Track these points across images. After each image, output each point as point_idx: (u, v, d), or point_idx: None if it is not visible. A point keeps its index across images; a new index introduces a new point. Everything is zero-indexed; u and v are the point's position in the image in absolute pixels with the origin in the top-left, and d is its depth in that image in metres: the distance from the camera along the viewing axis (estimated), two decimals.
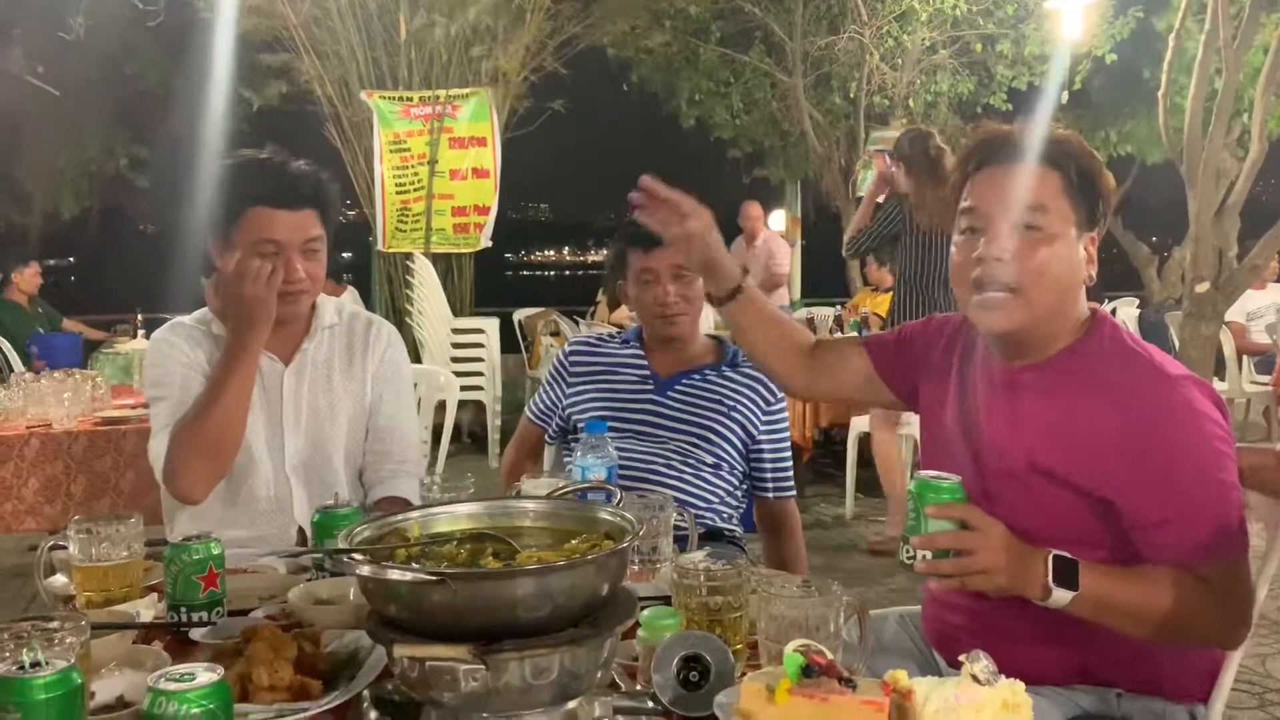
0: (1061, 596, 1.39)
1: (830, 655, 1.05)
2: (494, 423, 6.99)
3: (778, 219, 13.02)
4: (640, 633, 1.29)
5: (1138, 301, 10.11)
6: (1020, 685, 1.05)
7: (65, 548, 1.56)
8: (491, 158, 7.39)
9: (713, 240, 1.81)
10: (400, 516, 1.21)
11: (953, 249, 1.62)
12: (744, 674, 1.21)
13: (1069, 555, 1.41)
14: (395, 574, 1.00)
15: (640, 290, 2.41)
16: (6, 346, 6.73)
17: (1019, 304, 1.53)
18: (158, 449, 2.03)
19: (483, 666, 0.99)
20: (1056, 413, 1.54)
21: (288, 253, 2.01)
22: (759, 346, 1.93)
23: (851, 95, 10.87)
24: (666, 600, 1.44)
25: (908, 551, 1.39)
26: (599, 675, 1.10)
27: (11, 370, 6.33)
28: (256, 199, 2.00)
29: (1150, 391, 1.49)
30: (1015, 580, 1.39)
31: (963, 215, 1.60)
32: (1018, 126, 1.62)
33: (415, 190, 7.32)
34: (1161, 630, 1.44)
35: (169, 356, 2.09)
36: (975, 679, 1.04)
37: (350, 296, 7.06)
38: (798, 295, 11.96)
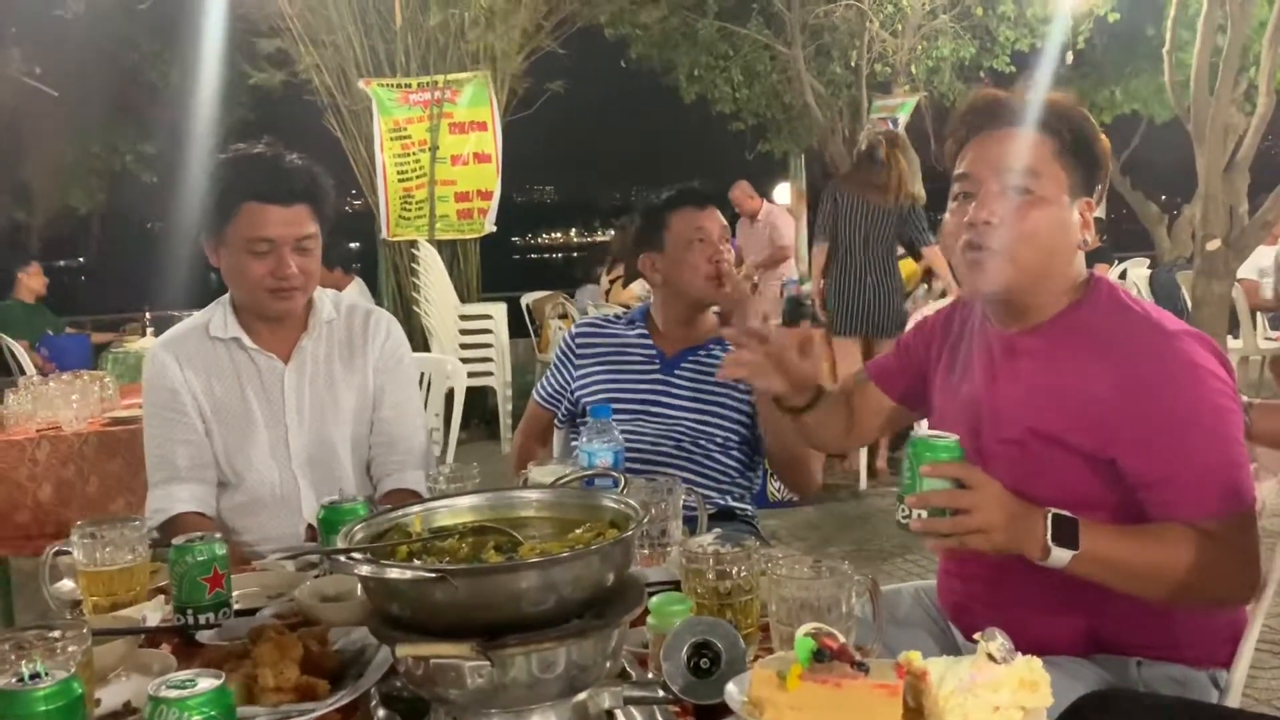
0: (1061, 556, 1.38)
1: (842, 639, 1.03)
2: (505, 408, 6.99)
3: (783, 192, 12.97)
4: (650, 620, 1.27)
5: (1149, 261, 10.04)
6: (1037, 662, 1.03)
7: (70, 553, 1.55)
8: (492, 141, 7.35)
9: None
10: (400, 511, 1.19)
11: (946, 215, 1.62)
12: (757, 657, 1.19)
13: (1068, 514, 1.39)
14: (394, 572, 0.99)
15: (691, 251, 2.35)
16: (16, 348, 6.74)
17: (1007, 265, 1.53)
18: (153, 504, 2.05)
19: (488, 663, 0.97)
20: (1056, 376, 1.54)
21: (281, 249, 2.00)
22: (834, 437, 1.95)
23: (853, 64, 10.76)
24: (677, 585, 1.42)
25: (903, 511, 1.37)
26: (608, 666, 1.08)
27: (22, 372, 6.35)
28: (249, 195, 1.98)
29: (1149, 348, 1.48)
30: (1013, 539, 1.38)
31: (956, 181, 1.61)
32: (1009, 92, 1.62)
33: (417, 177, 7.29)
34: (1169, 589, 1.43)
35: (157, 384, 2.11)
36: (991, 657, 1.02)
37: (357, 287, 7.04)
38: (806, 268, 11.90)
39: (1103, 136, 1.60)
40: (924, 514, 1.35)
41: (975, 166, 1.57)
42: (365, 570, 0.99)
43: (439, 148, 7.22)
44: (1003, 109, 1.58)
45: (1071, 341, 1.54)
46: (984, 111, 1.60)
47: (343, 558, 1.02)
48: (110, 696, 1.21)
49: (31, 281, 7.39)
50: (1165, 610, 1.51)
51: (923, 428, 1.74)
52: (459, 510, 1.22)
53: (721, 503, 2.34)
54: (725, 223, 2.41)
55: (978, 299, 1.68)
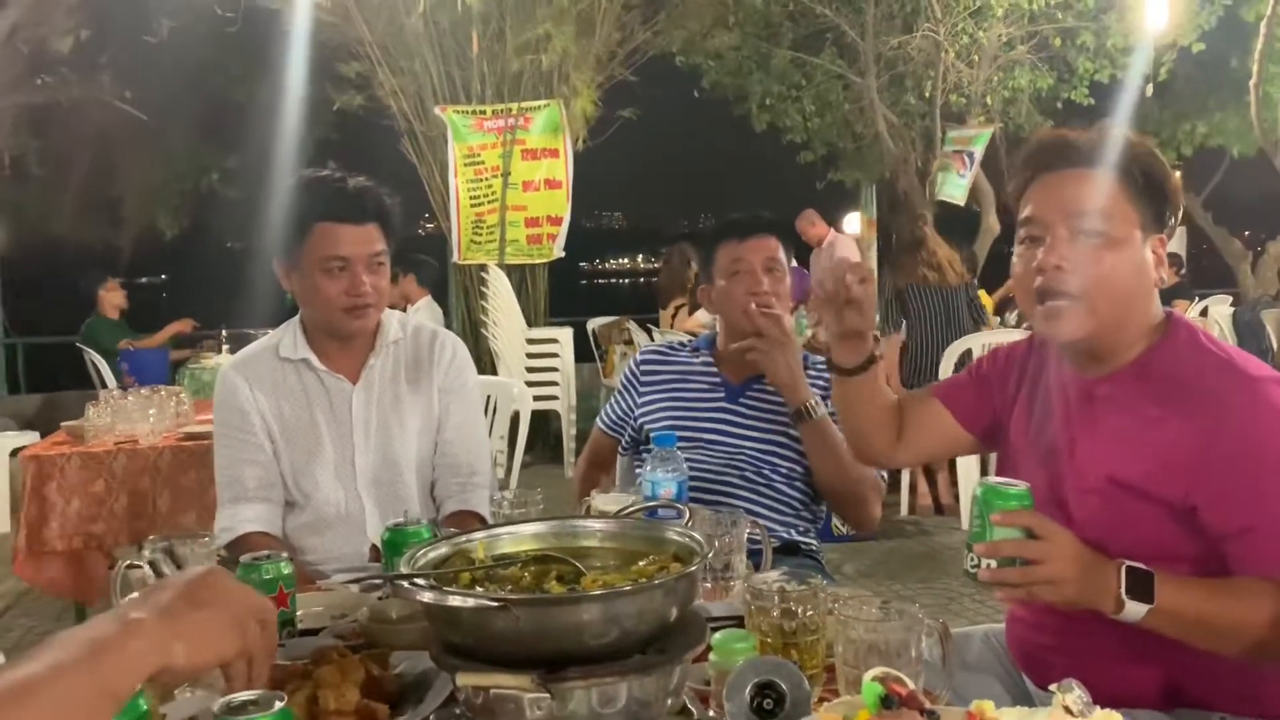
0: (1135, 610, 1.33)
1: (911, 685, 1.00)
2: (569, 431, 7.01)
3: (853, 221, 12.87)
4: (713, 656, 1.24)
5: (1231, 299, 9.75)
6: (1117, 716, 0.99)
7: (141, 567, 1.57)
8: (563, 168, 7.42)
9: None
10: (464, 538, 1.19)
11: (1014, 259, 1.58)
12: (822, 700, 1.16)
13: (1144, 567, 1.34)
14: (456, 600, 0.98)
15: (731, 282, 2.34)
16: (100, 362, 6.96)
17: (1083, 311, 1.48)
18: (221, 523, 2.08)
19: (548, 695, 0.96)
20: (1136, 424, 1.48)
21: (355, 267, 2.03)
22: (876, 435, 1.88)
23: (926, 95, 10.67)
24: (740, 620, 1.40)
25: (972, 560, 1.33)
26: (669, 702, 1.07)
27: (105, 385, 6.54)
28: (322, 216, 2.02)
29: (1231, 395, 1.42)
30: (1084, 592, 1.34)
31: (1022, 225, 1.57)
32: (1074, 131, 1.57)
33: (489, 202, 7.39)
34: (1249, 646, 1.37)
35: (227, 403, 2.15)
36: (1068, 710, 0.98)
37: (428, 305, 7.14)
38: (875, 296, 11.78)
39: (1173, 173, 1.55)
40: (993, 563, 1.32)
41: (1042, 209, 1.52)
42: (427, 597, 0.99)
43: (511, 174, 7.31)
44: (1068, 149, 1.53)
45: (1150, 387, 1.49)
46: (1049, 152, 1.55)
47: (405, 584, 1.02)
48: (176, 713, 1.22)
49: (112, 297, 7.61)
50: (1243, 662, 1.45)
51: (991, 474, 1.69)
52: (522, 538, 1.22)
53: (785, 536, 2.30)
54: (776, 253, 2.36)
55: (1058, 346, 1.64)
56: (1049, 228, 1.51)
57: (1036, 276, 1.51)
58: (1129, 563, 1.35)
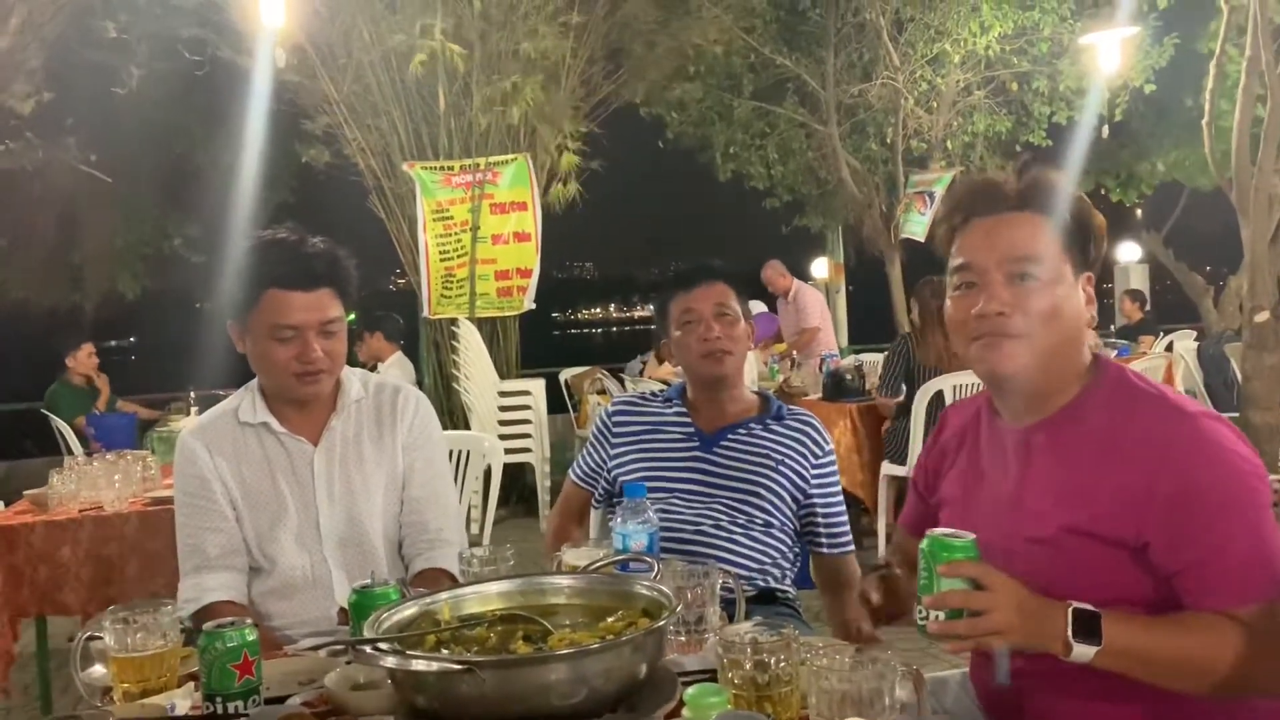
0: (1084, 652, 1.32)
1: None
2: (543, 484, 6.96)
3: (820, 266, 13.01)
4: (686, 712, 1.22)
5: (1195, 334, 9.88)
6: None
7: (102, 638, 1.54)
8: (532, 221, 7.46)
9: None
10: (429, 599, 1.17)
11: (948, 304, 1.58)
12: None
13: (1090, 608, 1.34)
14: (419, 664, 0.96)
15: (684, 333, 2.37)
16: (65, 429, 6.85)
17: (1023, 347, 1.49)
18: (184, 594, 2.04)
19: None
20: (1080, 469, 1.48)
21: (305, 334, 2.01)
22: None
23: (888, 141, 10.85)
24: (714, 674, 1.38)
25: (921, 613, 1.33)
26: None
27: (70, 452, 6.44)
28: (271, 282, 1.99)
29: (1169, 432, 1.43)
30: (1032, 638, 1.33)
31: (956, 272, 1.56)
32: (999, 174, 1.59)
33: (459, 257, 7.40)
34: (1207, 682, 1.36)
35: (187, 472, 2.12)
36: None
37: (399, 361, 7.11)
38: (845, 341, 11.88)
39: (1096, 212, 1.56)
40: (941, 615, 1.31)
41: (975, 256, 1.53)
42: (390, 662, 0.97)
43: (480, 227, 7.34)
44: (995, 193, 1.54)
45: (1089, 431, 1.49)
46: (975, 197, 1.56)
47: (367, 649, 1.00)
48: None
49: (81, 364, 7.52)
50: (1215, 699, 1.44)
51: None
52: (488, 597, 1.20)
53: (762, 584, 2.29)
54: (725, 299, 2.37)
55: (992, 388, 1.61)
56: (984, 273, 1.51)
57: (975, 324, 1.51)
58: (1076, 604, 1.35)
